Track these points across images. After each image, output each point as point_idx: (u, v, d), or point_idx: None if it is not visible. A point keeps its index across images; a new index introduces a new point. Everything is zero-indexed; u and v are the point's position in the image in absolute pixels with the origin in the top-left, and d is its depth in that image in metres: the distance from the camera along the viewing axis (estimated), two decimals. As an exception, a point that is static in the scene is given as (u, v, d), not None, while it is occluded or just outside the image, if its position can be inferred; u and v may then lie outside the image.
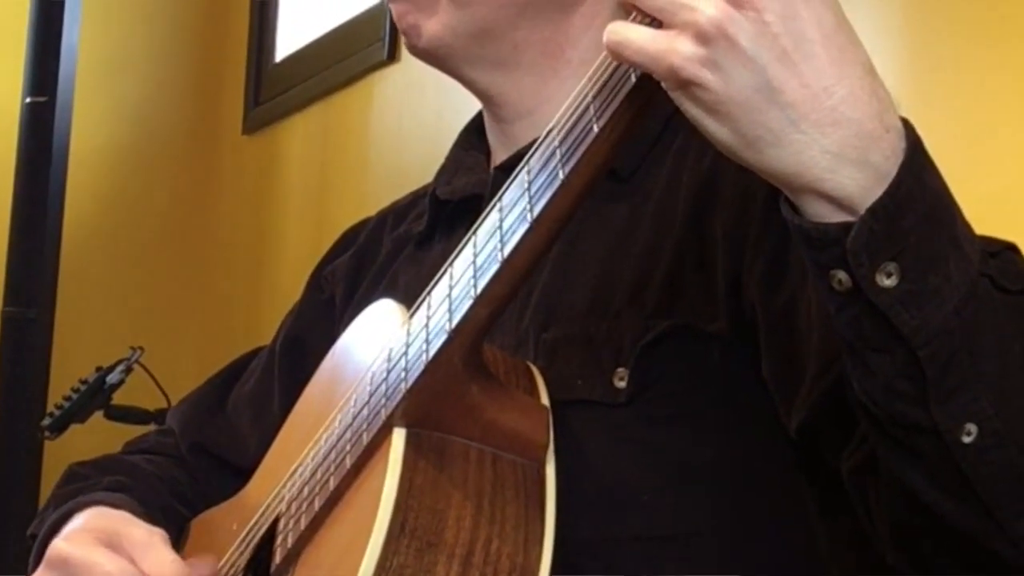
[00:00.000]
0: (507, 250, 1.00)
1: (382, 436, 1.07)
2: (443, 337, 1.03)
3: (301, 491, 1.17)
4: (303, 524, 1.14)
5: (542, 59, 1.25)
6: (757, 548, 1.10)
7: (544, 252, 1.02)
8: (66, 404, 2.85)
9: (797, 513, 1.11)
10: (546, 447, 1.06)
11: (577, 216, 1.00)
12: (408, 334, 1.09)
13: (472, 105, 1.34)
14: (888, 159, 0.87)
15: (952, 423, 0.89)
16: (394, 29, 2.88)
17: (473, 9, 1.23)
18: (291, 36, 3.50)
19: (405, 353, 1.08)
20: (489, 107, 1.30)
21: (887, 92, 0.88)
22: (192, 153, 3.87)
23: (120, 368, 2.89)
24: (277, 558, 1.17)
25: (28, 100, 3.30)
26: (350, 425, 1.13)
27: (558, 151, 0.98)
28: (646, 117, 0.95)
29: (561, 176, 0.96)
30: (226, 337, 3.50)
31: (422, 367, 1.04)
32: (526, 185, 1.00)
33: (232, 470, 1.42)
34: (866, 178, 0.87)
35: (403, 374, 1.07)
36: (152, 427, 2.10)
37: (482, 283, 1.01)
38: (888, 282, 0.87)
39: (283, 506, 1.20)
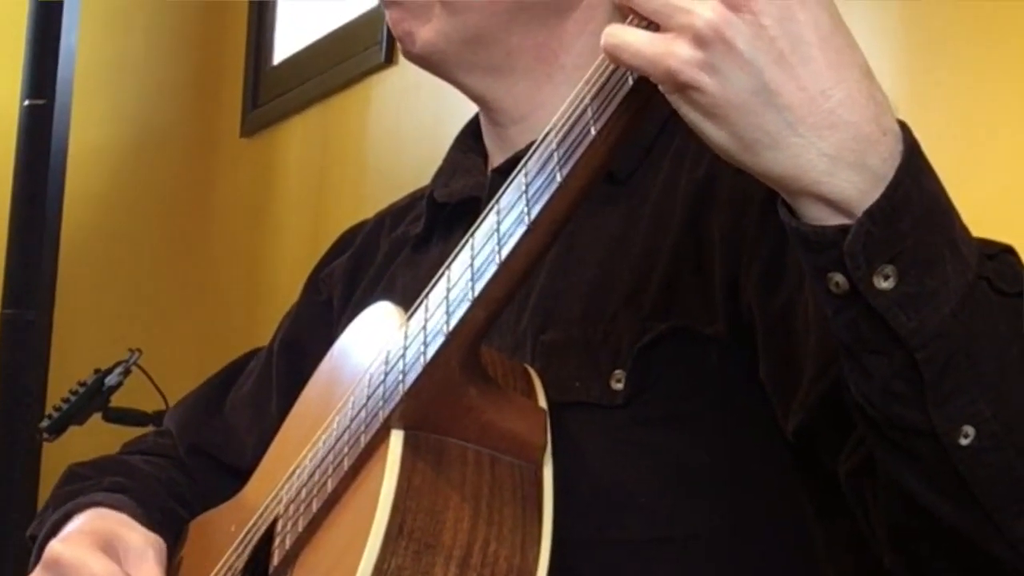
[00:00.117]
0: (504, 253, 1.00)
1: (380, 438, 1.07)
2: (441, 339, 1.03)
3: (299, 493, 1.17)
4: (301, 526, 1.14)
5: (536, 65, 1.25)
6: (754, 550, 1.10)
7: (541, 255, 1.02)
8: (64, 406, 2.85)
9: (794, 515, 1.11)
10: (543, 449, 1.06)
11: (574, 219, 1.00)
12: (406, 336, 1.09)
13: (469, 108, 1.34)
14: (885, 162, 0.87)
15: (949, 425, 0.89)
16: (392, 32, 2.87)
17: (466, 16, 1.23)
18: (289, 39, 3.50)
19: (403, 355, 1.08)
20: (485, 111, 1.30)
21: (884, 95, 0.88)
22: (190, 155, 3.87)
23: (118, 370, 2.89)
24: (275, 560, 1.17)
25: (27, 102, 3.30)
26: (348, 427, 1.13)
27: (555, 154, 0.98)
28: (643, 120, 0.95)
29: (558, 179, 0.96)
30: (224, 339, 3.50)
31: (420, 369, 1.04)
32: (523, 188, 1.00)
33: (230, 472, 1.42)
34: (863, 181, 0.87)
35: (401, 376, 1.07)
36: (150, 429, 2.11)
37: (480, 285, 1.01)
38: (885, 284, 0.87)
39: (281, 508, 1.20)
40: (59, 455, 2.54)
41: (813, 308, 1.03)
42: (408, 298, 1.15)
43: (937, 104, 1.76)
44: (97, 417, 2.90)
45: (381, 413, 1.07)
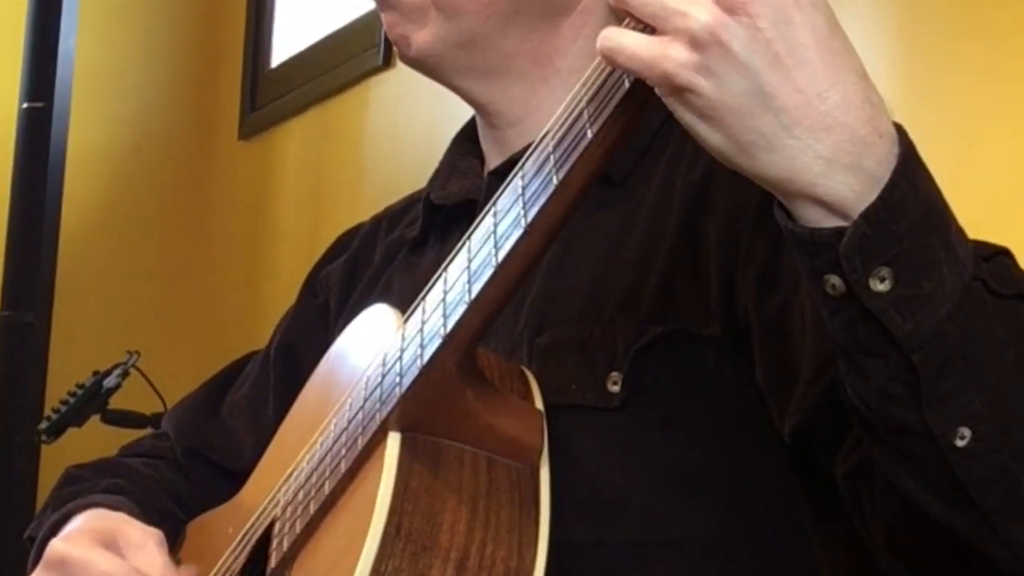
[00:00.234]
0: (501, 255, 1.00)
1: (377, 440, 1.07)
2: (437, 342, 1.03)
3: (296, 495, 1.17)
4: (298, 528, 1.14)
5: (531, 68, 1.25)
6: (751, 552, 1.10)
7: (538, 257, 1.02)
8: (63, 408, 2.85)
9: (791, 517, 1.11)
10: (540, 451, 1.06)
11: (571, 221, 1.00)
12: (403, 339, 1.10)
13: (466, 111, 1.34)
14: (881, 164, 0.87)
15: (946, 427, 0.89)
16: (388, 35, 2.88)
17: (462, 20, 1.23)
18: (287, 42, 3.50)
19: (400, 358, 1.08)
20: (481, 114, 1.30)
21: (880, 97, 0.88)
22: (188, 158, 3.87)
23: (117, 372, 2.89)
24: (272, 562, 1.18)
25: (25, 105, 3.30)
26: (345, 429, 1.13)
27: (552, 157, 0.98)
28: (639, 123, 0.95)
29: (555, 182, 0.96)
30: (222, 341, 3.50)
31: (417, 372, 1.05)
32: (520, 191, 1.01)
33: (227, 474, 1.42)
34: (859, 183, 0.87)
35: (398, 379, 1.07)
36: (148, 431, 2.11)
37: (476, 288, 1.01)
38: (882, 287, 0.87)
39: (278, 510, 1.20)
40: (57, 457, 2.55)
41: (809, 310, 1.03)
42: (405, 301, 1.15)
43: (933, 106, 1.76)
44: (95, 419, 2.90)
45: (378, 415, 1.07)
